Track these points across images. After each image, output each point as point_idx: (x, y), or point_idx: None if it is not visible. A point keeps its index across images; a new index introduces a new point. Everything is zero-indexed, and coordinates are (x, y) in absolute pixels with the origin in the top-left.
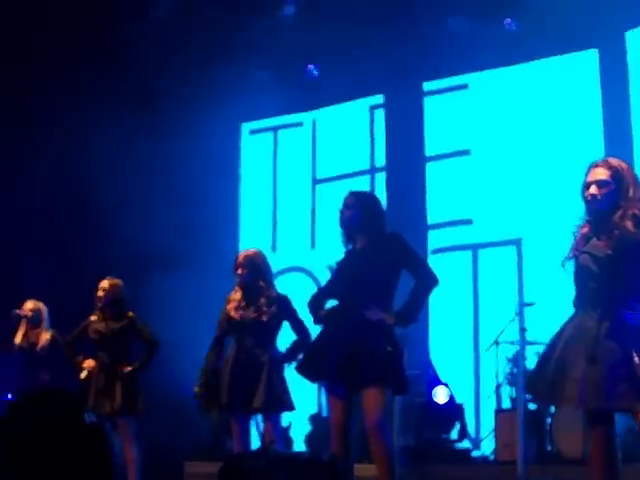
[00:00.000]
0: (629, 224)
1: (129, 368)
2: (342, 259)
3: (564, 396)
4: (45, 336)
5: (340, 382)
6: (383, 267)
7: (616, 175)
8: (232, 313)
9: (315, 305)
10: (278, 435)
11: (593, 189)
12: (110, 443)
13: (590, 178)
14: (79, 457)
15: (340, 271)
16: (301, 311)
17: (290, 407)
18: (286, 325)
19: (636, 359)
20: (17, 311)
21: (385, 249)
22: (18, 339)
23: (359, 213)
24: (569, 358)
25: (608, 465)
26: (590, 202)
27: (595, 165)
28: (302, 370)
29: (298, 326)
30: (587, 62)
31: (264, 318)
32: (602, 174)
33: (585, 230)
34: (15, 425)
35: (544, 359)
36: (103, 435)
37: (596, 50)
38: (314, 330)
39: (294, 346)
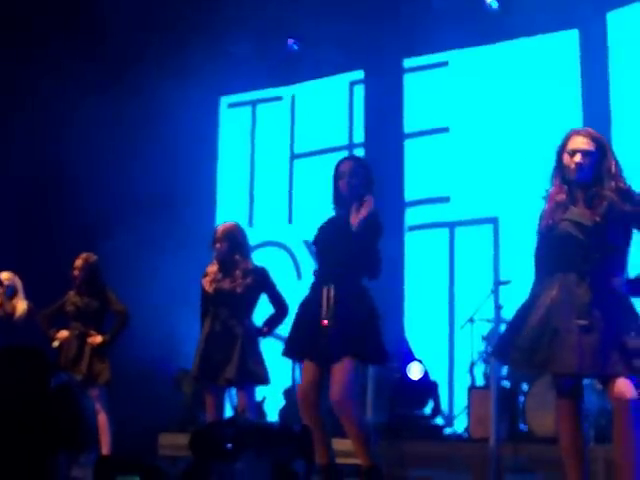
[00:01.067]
0: (616, 197)
1: (99, 339)
2: (329, 220)
3: (560, 363)
4: (22, 306)
5: (314, 355)
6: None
7: (600, 147)
8: (207, 287)
9: None
10: (252, 408)
11: (579, 157)
12: (78, 404)
13: (574, 146)
14: (45, 416)
15: (324, 235)
16: (278, 284)
17: (264, 380)
18: (265, 299)
19: (631, 335)
20: None
21: (374, 220)
22: None
23: (364, 182)
24: (560, 325)
25: (577, 432)
26: (575, 171)
27: (577, 133)
28: (287, 353)
29: (275, 299)
30: (567, 42)
31: (238, 290)
32: (587, 144)
33: (561, 197)
34: None
35: (515, 326)
36: (70, 395)
37: (577, 30)
38: (293, 303)
39: (271, 319)
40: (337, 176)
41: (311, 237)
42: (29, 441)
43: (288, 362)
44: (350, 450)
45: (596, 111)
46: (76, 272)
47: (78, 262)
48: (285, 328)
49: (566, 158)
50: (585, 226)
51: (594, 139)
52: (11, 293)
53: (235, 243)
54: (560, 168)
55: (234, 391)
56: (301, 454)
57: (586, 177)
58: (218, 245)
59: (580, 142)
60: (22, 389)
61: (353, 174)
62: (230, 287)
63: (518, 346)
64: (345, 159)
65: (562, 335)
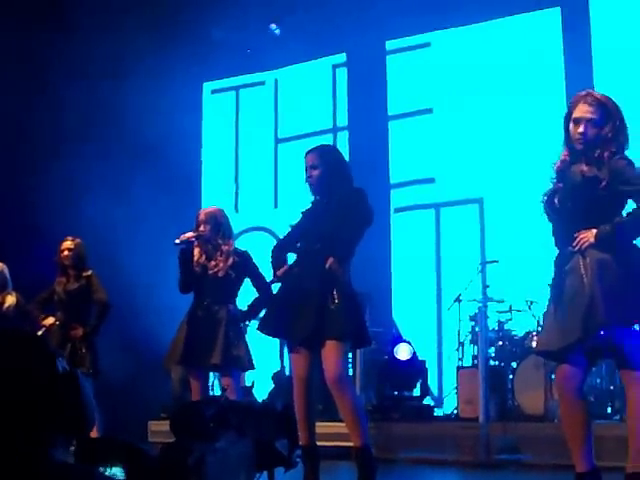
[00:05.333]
0: (620, 162)
1: (80, 332)
2: (307, 210)
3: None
4: (11, 298)
5: (299, 337)
6: (343, 222)
7: (604, 112)
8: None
9: (276, 261)
10: (238, 391)
11: (582, 128)
12: (82, 390)
13: (577, 114)
14: (53, 403)
15: (302, 223)
16: (264, 269)
17: (247, 366)
18: (249, 283)
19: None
20: None
21: (348, 204)
22: None
23: (325, 171)
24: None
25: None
26: (579, 141)
27: (583, 99)
28: (263, 327)
29: (259, 283)
30: (549, 20)
31: (220, 274)
32: (590, 112)
33: (564, 156)
34: None
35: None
36: (76, 382)
37: (558, 9)
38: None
39: (254, 303)
40: (305, 169)
41: (299, 213)
42: (35, 425)
43: (276, 346)
44: (340, 433)
45: (579, 88)
46: (65, 254)
47: (67, 244)
48: None
49: (571, 127)
50: (588, 177)
51: (599, 104)
52: (1, 286)
53: (218, 226)
54: (568, 135)
55: (219, 375)
56: (284, 433)
57: (591, 144)
58: (202, 228)
59: (584, 110)
60: (31, 373)
61: (312, 167)
62: (213, 271)
63: (552, 332)
64: (307, 152)
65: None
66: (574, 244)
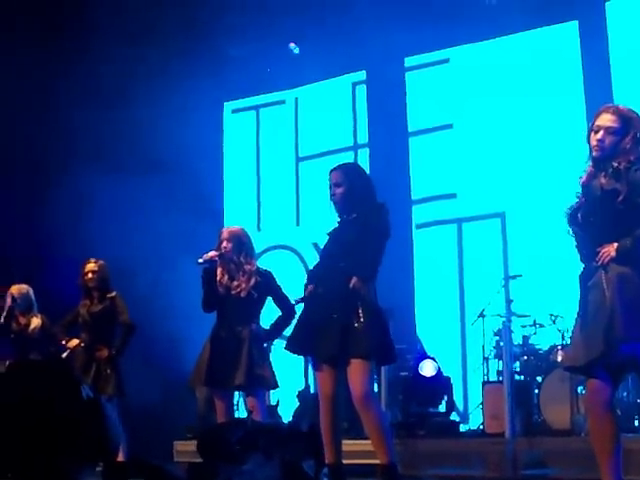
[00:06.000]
0: (639, 174)
1: (105, 354)
2: (332, 230)
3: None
4: (36, 320)
5: (324, 355)
6: (365, 240)
7: (625, 124)
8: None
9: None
10: (263, 411)
11: (600, 135)
12: (106, 416)
13: (598, 122)
14: (77, 429)
15: (327, 245)
16: (287, 288)
17: (271, 385)
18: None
19: None
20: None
21: (369, 222)
22: (2, 319)
23: (349, 189)
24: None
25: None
26: (595, 149)
27: (605, 110)
28: (290, 346)
29: (281, 302)
30: (567, 34)
31: (242, 294)
32: (611, 121)
33: (589, 170)
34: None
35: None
36: (99, 409)
37: (576, 22)
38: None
39: (277, 322)
40: (329, 187)
41: (319, 239)
42: (59, 451)
43: (301, 365)
44: (366, 450)
45: (599, 101)
46: (89, 277)
47: (90, 267)
48: None
49: (591, 136)
50: (606, 190)
51: (620, 115)
52: (24, 307)
53: (240, 245)
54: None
55: (243, 394)
56: (310, 453)
57: (608, 154)
58: (224, 244)
59: (605, 119)
60: (56, 401)
61: (336, 184)
62: (235, 291)
63: (578, 349)
64: (332, 170)
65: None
66: (597, 259)
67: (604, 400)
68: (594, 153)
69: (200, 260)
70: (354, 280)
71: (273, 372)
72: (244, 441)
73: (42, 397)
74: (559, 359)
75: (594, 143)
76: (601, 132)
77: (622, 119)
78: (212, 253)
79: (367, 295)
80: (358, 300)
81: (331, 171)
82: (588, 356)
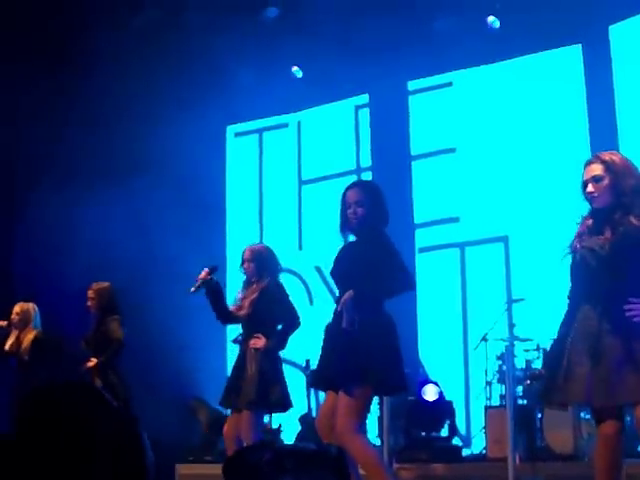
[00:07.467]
0: (633, 219)
1: (93, 363)
2: (342, 249)
3: (572, 394)
4: (29, 336)
5: (322, 385)
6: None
7: (610, 169)
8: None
9: None
10: (255, 432)
11: (590, 187)
12: (143, 439)
13: (585, 177)
14: (115, 453)
15: (338, 266)
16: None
17: (283, 405)
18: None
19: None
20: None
21: (377, 245)
22: (7, 345)
23: (370, 209)
24: (574, 358)
25: (614, 466)
26: (590, 200)
27: (588, 163)
28: (312, 384)
29: (283, 312)
30: (571, 58)
31: (242, 312)
32: (596, 169)
33: (590, 222)
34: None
35: (553, 366)
36: (137, 429)
37: (579, 45)
38: (305, 329)
39: (279, 333)
40: (344, 204)
41: (321, 262)
42: (97, 476)
43: (303, 388)
44: None
45: (602, 125)
46: (88, 304)
47: (88, 293)
48: (299, 354)
49: (584, 190)
50: (597, 253)
51: (602, 162)
52: (23, 324)
53: (262, 264)
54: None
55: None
56: (338, 477)
57: (605, 203)
58: (246, 265)
59: (589, 170)
60: (95, 423)
61: (359, 203)
62: (240, 311)
63: (557, 388)
64: (351, 186)
65: (575, 367)
66: (628, 309)
67: (615, 432)
68: (591, 205)
69: (192, 289)
70: (346, 295)
71: (282, 389)
72: (273, 463)
73: (83, 416)
74: None
75: (588, 197)
76: (590, 185)
77: (605, 165)
78: (201, 275)
79: (364, 318)
80: (361, 328)
81: (349, 188)
82: (609, 400)
